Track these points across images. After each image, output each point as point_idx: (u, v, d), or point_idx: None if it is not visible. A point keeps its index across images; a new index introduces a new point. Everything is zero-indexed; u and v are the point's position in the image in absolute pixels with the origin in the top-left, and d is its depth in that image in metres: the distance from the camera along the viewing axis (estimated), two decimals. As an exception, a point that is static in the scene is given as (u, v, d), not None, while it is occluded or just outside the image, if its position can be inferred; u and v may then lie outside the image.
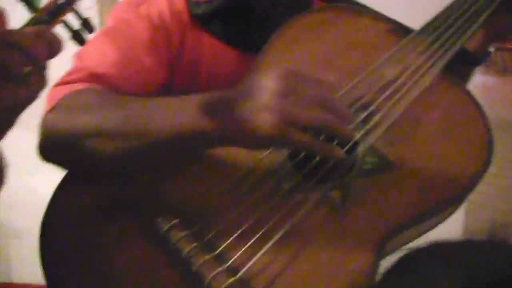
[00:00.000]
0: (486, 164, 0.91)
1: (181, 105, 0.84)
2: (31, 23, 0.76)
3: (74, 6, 0.80)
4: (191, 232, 0.85)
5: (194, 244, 0.84)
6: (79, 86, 0.94)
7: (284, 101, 0.77)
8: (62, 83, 0.96)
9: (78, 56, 1.01)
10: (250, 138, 0.79)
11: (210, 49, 1.04)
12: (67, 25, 0.79)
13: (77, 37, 0.80)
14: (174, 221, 0.85)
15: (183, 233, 0.85)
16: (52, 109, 0.92)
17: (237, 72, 1.00)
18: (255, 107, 0.77)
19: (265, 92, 0.77)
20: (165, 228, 0.85)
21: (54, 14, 0.77)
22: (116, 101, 0.90)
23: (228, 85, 0.94)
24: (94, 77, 0.95)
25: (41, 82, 0.75)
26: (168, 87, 1.05)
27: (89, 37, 0.84)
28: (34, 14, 0.76)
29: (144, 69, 0.99)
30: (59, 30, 0.78)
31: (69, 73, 0.98)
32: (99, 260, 0.86)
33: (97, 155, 0.86)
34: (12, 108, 0.75)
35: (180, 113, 0.83)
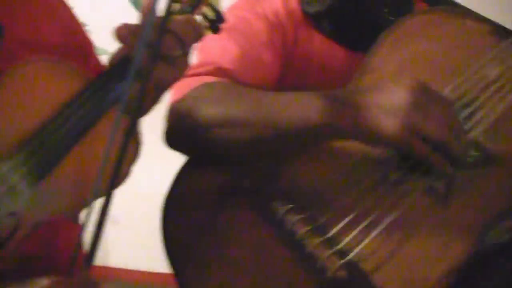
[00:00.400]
0: None
1: (308, 99, 0.93)
2: (178, 12, 0.88)
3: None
4: (305, 216, 0.93)
5: (307, 228, 0.92)
6: (207, 79, 1.03)
7: (414, 111, 0.87)
8: (190, 75, 1.04)
9: (203, 51, 1.09)
10: (376, 138, 0.90)
11: (321, 47, 1.11)
12: (205, 16, 0.90)
13: (213, 27, 0.91)
14: (290, 205, 0.93)
15: (297, 217, 0.92)
16: (181, 99, 1.01)
17: (345, 70, 1.07)
18: (388, 111, 0.87)
19: (399, 99, 0.87)
20: (281, 211, 0.93)
21: (195, 6, 0.89)
22: (243, 94, 0.99)
23: (336, 83, 1.02)
24: (221, 72, 1.04)
25: (186, 65, 0.87)
26: (279, 85, 1.13)
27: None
28: (179, 5, 0.88)
29: (263, 65, 1.07)
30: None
31: (196, 67, 1.06)
32: (217, 240, 0.95)
33: (225, 144, 0.95)
34: (160, 86, 0.87)
35: (306, 108, 0.91)
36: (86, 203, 0.84)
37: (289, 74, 1.12)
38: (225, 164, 0.99)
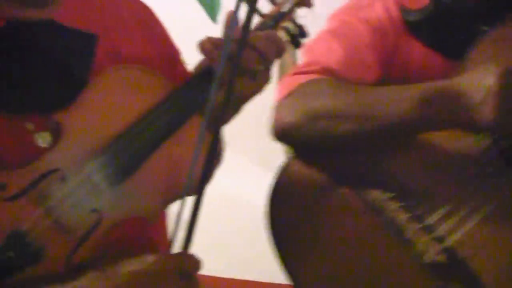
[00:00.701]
0: None
1: (404, 94, 0.99)
2: (259, 27, 0.94)
3: (292, 14, 0.97)
4: (404, 204, 1.00)
5: (407, 215, 0.99)
6: (313, 76, 1.10)
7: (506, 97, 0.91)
8: (298, 73, 1.12)
9: (309, 51, 1.16)
10: (475, 125, 0.94)
11: (419, 54, 1.17)
12: (287, 30, 0.96)
13: (295, 41, 0.97)
14: (391, 194, 1.01)
15: (397, 205, 1.00)
16: (289, 95, 1.09)
17: (442, 77, 1.13)
18: (483, 99, 0.92)
19: (492, 84, 0.92)
20: (383, 200, 1.00)
21: (277, 20, 0.95)
22: (347, 89, 1.06)
23: None
24: (327, 71, 1.11)
25: (267, 79, 0.93)
26: None
27: (304, 41, 1.01)
28: (261, 19, 0.94)
29: (365, 67, 1.13)
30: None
31: (303, 66, 1.14)
32: (320, 224, 1.03)
33: (329, 135, 1.03)
34: (241, 99, 0.93)
35: (404, 101, 0.98)
36: (166, 205, 0.92)
37: (387, 80, 1.17)
38: (329, 153, 1.07)
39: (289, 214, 1.04)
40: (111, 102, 0.87)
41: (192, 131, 0.84)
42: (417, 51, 1.16)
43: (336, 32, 1.17)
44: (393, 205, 1.00)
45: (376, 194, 1.02)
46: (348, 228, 1.02)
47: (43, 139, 0.84)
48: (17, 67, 0.86)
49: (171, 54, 1.06)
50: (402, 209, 0.99)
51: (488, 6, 1.17)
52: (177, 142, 0.89)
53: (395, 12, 1.18)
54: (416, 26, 1.16)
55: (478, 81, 0.94)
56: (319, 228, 1.02)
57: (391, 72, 1.16)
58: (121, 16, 1.00)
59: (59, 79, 0.87)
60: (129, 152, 0.85)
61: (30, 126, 0.84)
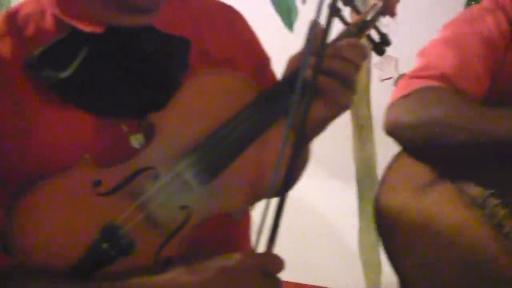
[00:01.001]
0: None
1: None
2: (344, 35, 0.93)
3: (376, 23, 0.95)
4: (503, 201, 1.02)
5: (505, 211, 1.01)
6: (430, 82, 1.13)
7: None
8: (415, 77, 1.16)
9: (423, 56, 1.20)
10: None
11: None
12: (370, 38, 0.95)
13: (378, 49, 0.96)
14: (491, 191, 1.04)
15: (496, 201, 1.02)
16: (405, 96, 1.12)
17: None
18: None
19: None
20: (484, 196, 1.03)
21: (362, 28, 0.94)
22: (464, 102, 1.10)
23: None
24: (444, 77, 1.13)
25: (356, 87, 0.91)
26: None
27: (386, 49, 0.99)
28: (346, 27, 0.93)
29: (475, 76, 1.15)
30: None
31: (419, 70, 1.17)
32: (421, 218, 1.08)
33: (442, 142, 1.07)
34: (343, 111, 0.91)
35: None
36: (250, 204, 0.93)
37: (493, 93, 1.19)
38: (436, 158, 1.11)
39: (393, 209, 1.10)
40: (202, 105, 0.89)
41: (278, 134, 0.85)
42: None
43: (450, 41, 1.19)
44: (494, 201, 1.02)
45: (477, 190, 1.04)
46: (449, 221, 1.06)
47: (136, 141, 0.87)
48: (115, 71, 0.90)
49: (260, 60, 1.08)
50: (501, 205, 1.02)
51: None
52: (263, 145, 0.90)
53: (505, 25, 1.18)
54: None
55: None
56: (420, 221, 1.08)
57: (499, 85, 1.18)
58: (211, 19, 1.02)
59: (155, 83, 0.90)
60: (218, 152, 0.86)
61: (125, 127, 0.87)
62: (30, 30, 0.91)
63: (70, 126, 0.87)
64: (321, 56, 0.82)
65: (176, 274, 0.81)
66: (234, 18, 1.07)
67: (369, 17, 0.93)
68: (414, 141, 1.11)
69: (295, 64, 0.89)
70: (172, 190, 0.84)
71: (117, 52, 0.90)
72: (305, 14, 2.43)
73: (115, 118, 0.88)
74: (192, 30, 0.97)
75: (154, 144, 0.86)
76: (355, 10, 0.93)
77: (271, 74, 1.07)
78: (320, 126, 0.90)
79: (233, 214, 0.89)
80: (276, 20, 2.50)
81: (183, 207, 0.84)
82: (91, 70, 0.88)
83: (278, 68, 0.99)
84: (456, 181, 1.07)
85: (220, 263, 0.81)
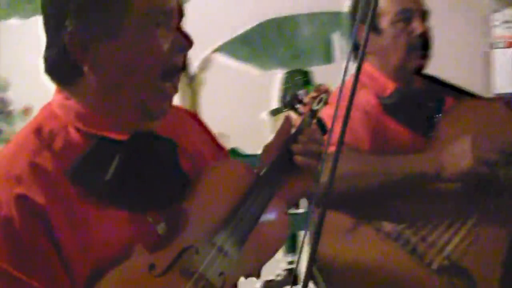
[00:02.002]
0: None
1: (411, 158, 1.48)
2: (305, 124, 1.22)
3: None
4: (414, 230, 1.47)
5: (417, 237, 1.46)
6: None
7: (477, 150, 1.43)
8: None
9: None
10: (456, 176, 1.44)
11: (394, 130, 1.61)
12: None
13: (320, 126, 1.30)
14: (403, 225, 1.47)
15: (410, 232, 1.47)
16: None
17: (410, 147, 1.58)
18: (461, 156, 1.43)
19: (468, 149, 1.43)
20: (399, 229, 1.46)
21: (313, 116, 1.26)
22: (366, 156, 1.52)
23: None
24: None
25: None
26: None
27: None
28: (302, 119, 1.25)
29: (359, 140, 1.56)
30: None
31: None
32: (355, 259, 1.47)
33: (359, 188, 1.46)
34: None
35: (411, 163, 1.46)
36: (262, 266, 1.15)
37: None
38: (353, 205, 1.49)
39: (329, 254, 1.46)
40: (219, 189, 1.12)
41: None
42: (392, 128, 1.61)
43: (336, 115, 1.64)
44: (407, 233, 1.45)
45: (391, 226, 1.47)
46: (373, 256, 1.46)
47: (161, 228, 1.04)
48: (140, 173, 1.05)
49: (220, 151, 1.31)
50: (411, 233, 1.45)
51: (432, 88, 1.71)
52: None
53: (374, 99, 1.65)
54: (389, 108, 1.63)
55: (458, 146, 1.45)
56: (353, 260, 1.46)
57: (378, 145, 1.59)
58: (182, 123, 1.23)
59: (170, 179, 1.09)
60: (243, 225, 1.07)
61: (150, 219, 1.04)
62: (58, 144, 1.02)
63: (110, 221, 1.01)
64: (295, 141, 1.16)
65: None
66: (198, 121, 1.29)
67: (315, 107, 1.25)
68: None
69: (272, 153, 1.18)
70: (214, 261, 1.03)
71: (141, 155, 1.05)
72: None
73: (141, 212, 1.03)
74: (172, 132, 1.15)
75: (189, 226, 1.04)
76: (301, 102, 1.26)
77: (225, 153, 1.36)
78: (301, 196, 1.25)
79: (249, 276, 1.12)
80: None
81: (220, 274, 1.03)
82: (122, 174, 1.02)
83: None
84: (372, 223, 1.46)
85: None
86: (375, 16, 1.62)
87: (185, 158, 1.13)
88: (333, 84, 2.41)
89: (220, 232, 1.05)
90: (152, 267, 0.98)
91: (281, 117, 1.24)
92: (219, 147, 1.29)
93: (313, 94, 1.26)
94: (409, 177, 1.46)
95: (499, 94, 2.91)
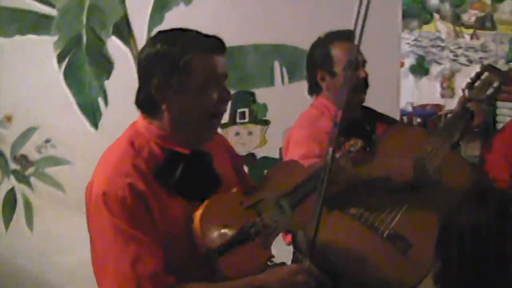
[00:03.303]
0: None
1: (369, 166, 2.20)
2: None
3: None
4: (369, 212, 2.16)
5: (373, 215, 2.15)
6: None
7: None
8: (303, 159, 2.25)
9: (299, 147, 2.34)
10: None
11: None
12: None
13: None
14: (362, 209, 2.17)
15: (367, 213, 2.15)
16: None
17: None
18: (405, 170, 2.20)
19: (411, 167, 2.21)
20: (359, 212, 2.17)
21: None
22: None
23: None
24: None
25: None
26: None
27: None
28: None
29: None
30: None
31: (303, 156, 2.27)
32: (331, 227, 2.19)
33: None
34: None
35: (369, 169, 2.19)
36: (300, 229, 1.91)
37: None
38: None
39: None
40: (285, 176, 1.88)
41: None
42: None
43: (311, 136, 2.35)
44: (366, 214, 2.14)
45: (354, 210, 2.15)
46: (343, 228, 2.13)
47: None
48: (195, 177, 1.62)
49: (241, 165, 2.03)
50: (369, 214, 2.13)
51: (368, 116, 2.43)
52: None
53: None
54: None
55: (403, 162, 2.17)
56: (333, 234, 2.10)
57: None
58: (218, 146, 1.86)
59: (210, 180, 1.68)
60: (299, 195, 1.79)
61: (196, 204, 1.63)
62: (145, 153, 1.59)
63: (177, 204, 1.58)
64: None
65: (263, 276, 1.57)
66: (223, 140, 1.98)
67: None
68: None
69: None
70: (274, 212, 1.66)
71: (198, 165, 1.63)
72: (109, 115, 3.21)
73: (195, 200, 1.61)
74: (210, 148, 1.73)
75: (268, 188, 1.76)
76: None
77: (245, 172, 2.04)
78: None
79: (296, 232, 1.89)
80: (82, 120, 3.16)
81: (275, 222, 1.65)
82: (184, 176, 1.59)
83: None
84: (341, 209, 2.12)
85: (286, 268, 1.64)
86: (356, 65, 2.30)
87: (216, 164, 1.72)
88: (273, 103, 3.13)
89: (284, 196, 1.73)
90: (241, 202, 1.65)
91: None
92: (240, 162, 2.04)
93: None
94: (369, 179, 2.15)
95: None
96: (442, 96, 9.41)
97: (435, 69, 9.13)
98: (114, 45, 3.12)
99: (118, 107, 3.02)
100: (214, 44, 1.61)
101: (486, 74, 2.49)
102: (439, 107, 8.97)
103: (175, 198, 1.59)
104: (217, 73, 1.61)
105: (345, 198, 2.13)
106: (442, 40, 9.26)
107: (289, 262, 1.93)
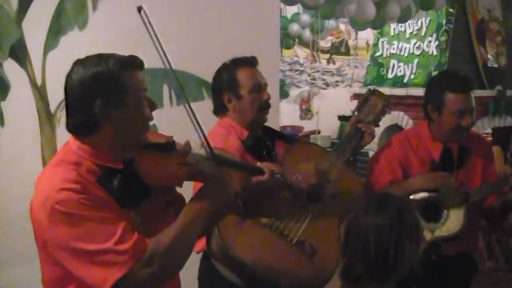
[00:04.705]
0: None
1: None
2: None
3: None
4: (279, 221, 2.38)
5: (282, 224, 2.38)
6: None
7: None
8: None
9: None
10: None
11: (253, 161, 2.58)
12: None
13: None
14: (272, 219, 2.39)
15: (277, 222, 2.38)
16: None
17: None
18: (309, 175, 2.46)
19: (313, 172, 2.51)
20: (270, 222, 2.39)
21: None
22: None
23: None
24: None
25: None
26: None
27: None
28: None
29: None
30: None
31: None
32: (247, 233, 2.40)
33: None
34: None
35: None
36: None
37: None
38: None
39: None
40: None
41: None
42: (250, 159, 2.47)
43: None
44: (276, 223, 2.36)
45: (265, 220, 2.37)
46: (255, 235, 2.33)
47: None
48: (129, 186, 1.72)
49: None
50: (279, 223, 2.36)
51: (268, 134, 2.70)
52: None
53: (238, 141, 2.57)
54: (247, 147, 2.55)
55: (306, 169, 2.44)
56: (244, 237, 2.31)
57: None
58: None
59: (138, 189, 1.82)
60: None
61: (138, 219, 1.78)
62: (84, 168, 1.68)
63: (116, 209, 1.67)
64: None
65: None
66: None
67: None
68: None
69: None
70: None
71: (130, 177, 1.73)
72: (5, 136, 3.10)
73: (127, 208, 1.72)
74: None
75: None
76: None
77: None
78: None
79: None
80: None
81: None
82: (121, 187, 1.70)
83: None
84: (254, 218, 2.30)
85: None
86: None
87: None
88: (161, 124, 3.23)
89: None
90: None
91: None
92: None
93: None
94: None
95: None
96: (301, 118, 10.07)
97: (294, 92, 9.73)
98: (11, 68, 3.13)
99: (14, 128, 2.99)
100: (137, 61, 1.75)
101: (372, 98, 2.82)
102: (299, 128, 9.57)
103: (114, 204, 1.71)
104: (144, 87, 1.77)
105: (255, 207, 2.26)
106: (301, 64, 9.91)
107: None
